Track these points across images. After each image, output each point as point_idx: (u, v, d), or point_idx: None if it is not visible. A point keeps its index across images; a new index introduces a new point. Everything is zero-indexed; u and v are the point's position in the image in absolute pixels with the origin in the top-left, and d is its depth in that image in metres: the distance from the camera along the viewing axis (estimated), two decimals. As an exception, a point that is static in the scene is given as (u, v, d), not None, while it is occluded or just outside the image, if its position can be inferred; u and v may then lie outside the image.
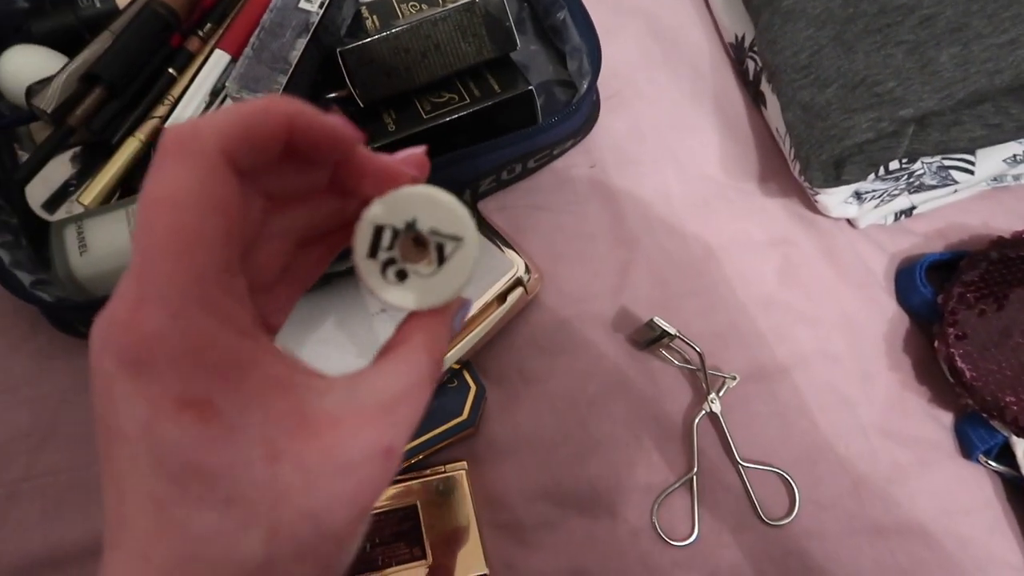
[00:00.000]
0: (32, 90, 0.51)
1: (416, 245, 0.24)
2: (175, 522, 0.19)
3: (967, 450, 0.52)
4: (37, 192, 0.51)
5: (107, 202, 0.50)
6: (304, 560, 0.20)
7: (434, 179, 0.55)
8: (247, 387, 0.20)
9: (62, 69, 0.50)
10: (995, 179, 0.58)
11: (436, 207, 0.23)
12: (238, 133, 0.20)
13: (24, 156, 0.54)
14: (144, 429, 0.18)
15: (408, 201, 0.23)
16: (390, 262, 0.24)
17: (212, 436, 0.19)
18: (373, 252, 0.24)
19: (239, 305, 0.20)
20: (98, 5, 0.55)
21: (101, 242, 0.47)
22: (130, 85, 0.50)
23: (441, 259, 0.24)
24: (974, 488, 0.52)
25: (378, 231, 0.23)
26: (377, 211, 0.23)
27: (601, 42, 0.56)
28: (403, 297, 0.24)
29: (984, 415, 0.50)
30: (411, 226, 0.23)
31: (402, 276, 0.24)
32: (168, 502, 0.19)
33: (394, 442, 0.21)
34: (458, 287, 0.24)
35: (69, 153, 0.52)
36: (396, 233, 0.23)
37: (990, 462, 0.51)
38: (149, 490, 0.19)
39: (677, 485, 0.50)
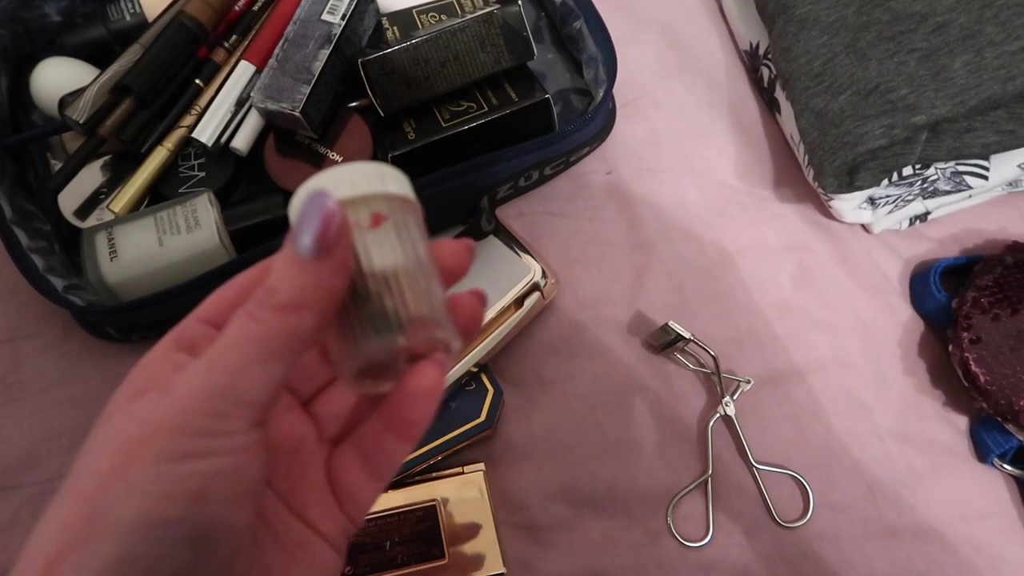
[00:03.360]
0: (65, 101, 0.52)
1: None
2: None
3: (982, 454, 0.52)
4: (69, 200, 0.53)
5: (136, 209, 0.52)
6: None
7: (452, 186, 0.56)
8: None
9: (93, 81, 0.51)
10: (1010, 184, 0.58)
11: None
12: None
13: (56, 165, 0.56)
14: None
15: None
16: None
17: None
18: None
19: None
20: (128, 18, 0.57)
21: (131, 248, 0.48)
22: (159, 96, 0.52)
23: None
24: (989, 492, 0.52)
25: None
26: None
27: (617, 51, 0.57)
28: None
29: (999, 419, 0.50)
30: None
31: None
32: None
33: None
34: None
35: (100, 162, 0.54)
36: None
37: (1005, 466, 0.51)
38: None
39: (692, 487, 0.51)
